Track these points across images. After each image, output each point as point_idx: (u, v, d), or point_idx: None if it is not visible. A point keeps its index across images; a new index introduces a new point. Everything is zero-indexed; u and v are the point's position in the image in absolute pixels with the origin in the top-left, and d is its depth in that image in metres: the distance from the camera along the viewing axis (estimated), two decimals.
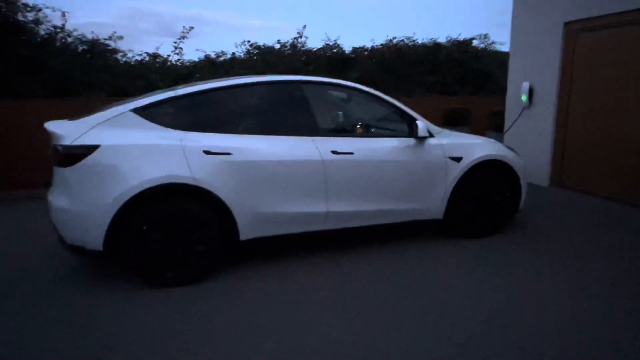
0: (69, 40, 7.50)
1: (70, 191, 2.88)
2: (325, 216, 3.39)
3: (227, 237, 3.18)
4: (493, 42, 10.20)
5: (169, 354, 2.28)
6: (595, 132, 5.33)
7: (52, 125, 3.09)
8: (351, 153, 3.42)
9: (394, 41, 9.51)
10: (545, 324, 2.53)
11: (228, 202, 3.06)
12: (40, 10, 7.06)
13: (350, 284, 3.08)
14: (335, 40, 9.15)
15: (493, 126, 7.46)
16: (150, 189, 2.87)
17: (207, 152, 3.04)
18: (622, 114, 4.98)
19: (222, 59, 8.80)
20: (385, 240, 3.95)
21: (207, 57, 8.74)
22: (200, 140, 3.06)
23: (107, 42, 7.74)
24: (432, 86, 9.21)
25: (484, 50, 10.08)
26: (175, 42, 8.02)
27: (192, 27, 7.96)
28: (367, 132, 3.81)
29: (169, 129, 3.06)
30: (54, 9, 7.31)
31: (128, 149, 2.89)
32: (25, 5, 6.90)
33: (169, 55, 8.23)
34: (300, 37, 8.86)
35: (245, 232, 3.19)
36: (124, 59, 8.04)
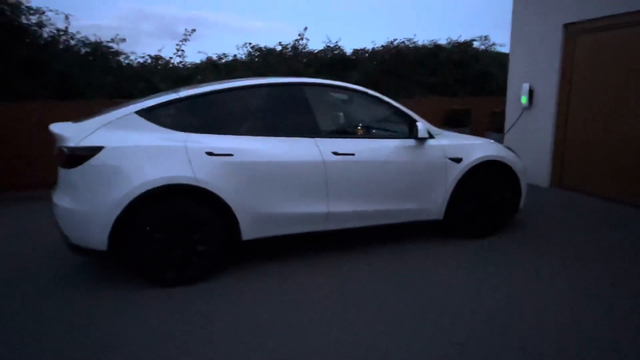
0: (72, 42, 7.56)
1: (74, 192, 2.91)
2: (326, 216, 3.42)
3: (229, 237, 3.22)
4: (493, 44, 10.24)
5: (169, 354, 2.31)
6: (595, 132, 5.36)
7: (57, 127, 3.14)
8: (352, 154, 3.45)
9: (395, 43, 9.55)
10: (545, 323, 2.56)
11: (230, 202, 3.10)
12: (43, 13, 7.12)
13: (351, 284, 3.11)
14: (336, 42, 9.20)
15: (493, 127, 7.49)
16: (153, 189, 2.91)
17: (209, 154, 3.07)
18: (622, 115, 5.01)
19: (223, 61, 8.85)
20: (386, 240, 3.98)
21: (208, 59, 8.79)
22: (203, 142, 3.10)
23: (110, 44, 7.80)
24: (432, 87, 9.25)
25: (484, 51, 10.12)
26: (177, 45, 8.09)
27: (194, 30, 8.00)
28: (367, 134, 3.84)
29: (172, 131, 3.09)
30: (57, 12, 7.38)
31: (132, 151, 2.93)
32: (29, 8, 6.96)
33: (171, 58, 8.28)
34: (302, 39, 8.91)
35: (247, 232, 3.22)
36: (126, 61, 8.10)
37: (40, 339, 2.47)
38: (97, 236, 2.89)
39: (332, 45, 9.15)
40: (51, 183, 3.36)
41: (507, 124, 6.70)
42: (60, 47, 7.43)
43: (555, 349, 2.29)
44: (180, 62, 8.35)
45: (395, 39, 9.60)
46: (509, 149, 4.19)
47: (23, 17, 6.89)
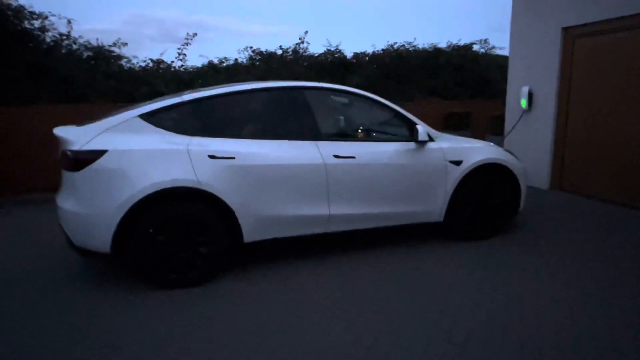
0: (75, 47, 7.61)
1: (78, 194, 2.95)
2: (327, 219, 3.45)
3: (231, 240, 3.25)
4: (493, 47, 10.28)
5: (170, 355, 2.34)
6: (594, 135, 5.39)
7: (60, 131, 3.18)
8: (353, 157, 3.49)
9: (395, 46, 9.60)
10: (544, 324, 2.58)
11: (232, 205, 3.13)
12: (46, 18, 7.18)
13: (351, 285, 3.13)
14: (337, 45, 9.24)
15: (493, 130, 7.53)
16: (156, 192, 2.94)
17: (212, 157, 3.11)
18: (621, 117, 5.04)
19: (225, 64, 8.91)
20: (386, 242, 4.00)
21: (210, 63, 8.85)
22: (206, 145, 3.14)
23: (112, 48, 7.85)
24: (432, 91, 9.29)
25: (484, 54, 10.16)
26: (179, 49, 8.14)
27: (196, 34, 8.03)
28: (368, 137, 3.88)
29: (175, 134, 3.13)
30: (59, 17, 7.42)
31: (135, 154, 2.97)
32: (32, 12, 7.02)
33: (172, 62, 8.33)
34: (302, 42, 8.96)
35: (249, 235, 3.25)
36: (128, 65, 8.15)
37: (40, 339, 2.50)
38: (101, 238, 2.93)
39: (332, 49, 9.20)
40: (54, 186, 3.40)
41: (507, 126, 6.74)
42: (63, 51, 7.48)
43: (554, 349, 2.32)
44: (182, 66, 8.41)
45: (395, 43, 9.66)
46: (509, 151, 4.22)
47: (26, 21, 6.95)
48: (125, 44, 7.93)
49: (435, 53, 9.61)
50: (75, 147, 2.94)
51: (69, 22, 7.39)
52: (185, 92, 3.53)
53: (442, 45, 9.92)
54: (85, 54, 7.71)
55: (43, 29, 7.20)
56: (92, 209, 2.92)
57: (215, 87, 3.61)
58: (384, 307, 2.81)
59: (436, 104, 8.46)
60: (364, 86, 7.59)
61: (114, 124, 3.07)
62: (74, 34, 7.53)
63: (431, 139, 3.81)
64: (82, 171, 2.92)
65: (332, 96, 3.94)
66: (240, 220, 3.18)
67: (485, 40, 10.20)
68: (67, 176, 3.03)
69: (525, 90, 6.20)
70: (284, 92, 3.53)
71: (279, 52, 8.92)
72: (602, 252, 3.70)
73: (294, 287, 3.11)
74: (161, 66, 8.26)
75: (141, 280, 3.24)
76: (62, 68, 7.01)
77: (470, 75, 9.58)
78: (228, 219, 3.18)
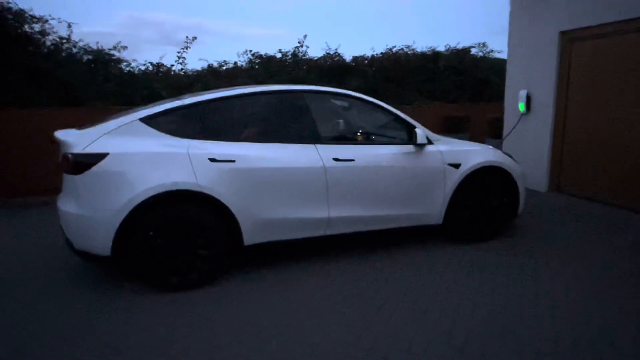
0: (74, 50, 7.65)
1: (79, 198, 2.96)
2: (327, 222, 3.47)
3: (231, 243, 3.26)
4: (491, 50, 10.33)
5: (171, 356, 2.35)
6: (592, 138, 5.42)
7: (61, 134, 3.19)
8: (352, 160, 3.51)
9: (394, 50, 9.64)
10: (542, 326, 2.59)
11: (232, 208, 3.14)
12: (46, 21, 7.21)
13: (351, 287, 3.14)
14: (336, 49, 9.29)
15: (492, 133, 7.56)
16: (157, 195, 2.95)
17: (212, 160, 3.12)
18: (618, 120, 5.07)
19: (224, 68, 8.94)
20: (386, 244, 4.02)
21: (210, 66, 8.88)
22: (206, 148, 3.15)
23: (112, 52, 7.88)
24: (431, 94, 9.32)
25: (482, 58, 10.21)
26: (178, 52, 8.17)
27: (195, 38, 8.06)
28: (367, 140, 3.90)
29: (176, 137, 3.15)
30: (59, 20, 7.45)
31: (136, 157, 2.98)
32: (32, 16, 7.05)
33: (172, 65, 8.37)
34: (301, 46, 9.00)
35: (249, 238, 3.26)
36: (127, 69, 8.18)
37: (40, 340, 2.51)
38: (101, 241, 2.94)
39: (331, 53, 9.24)
40: (55, 188, 3.41)
41: (506, 129, 6.77)
42: (63, 54, 7.51)
43: (553, 351, 2.33)
44: (182, 69, 8.44)
45: (394, 46, 9.70)
46: (507, 154, 4.25)
47: (26, 25, 6.98)
48: (125, 48, 7.97)
49: (433, 56, 9.65)
50: (76, 150, 2.96)
51: (69, 25, 7.43)
52: (186, 96, 3.55)
53: (441, 48, 9.97)
54: (85, 58, 7.74)
55: (43, 33, 7.23)
56: (92, 211, 2.93)
57: (215, 90, 3.63)
58: (384, 308, 2.83)
59: (435, 107, 8.50)
60: (363, 89, 7.62)
61: (115, 127, 3.09)
62: (73, 37, 7.57)
63: (430, 142, 3.83)
64: (83, 174, 2.93)
65: (331, 99, 3.96)
66: (241, 223, 3.19)
67: (484, 44, 10.26)
68: (68, 179, 3.04)
69: (523, 94, 6.23)
70: (284, 96, 3.56)
71: (278, 55, 8.96)
72: (601, 254, 3.72)
73: (294, 289, 3.12)
74: (161, 70, 8.29)
75: (141, 282, 3.25)
76: (62, 71, 7.04)
77: (469, 79, 9.63)
78: (228, 222, 3.19)
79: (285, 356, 2.34)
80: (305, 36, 9.00)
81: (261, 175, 3.23)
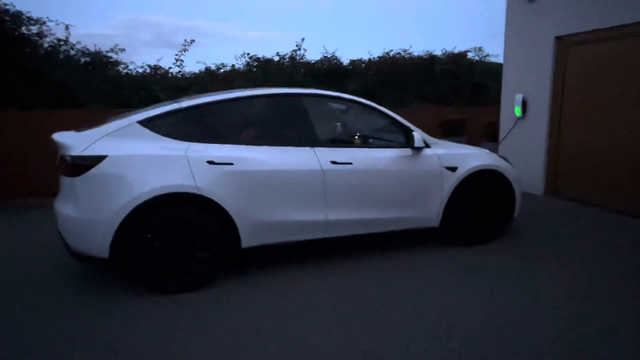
0: (72, 52, 7.64)
1: (77, 200, 2.96)
2: (324, 224, 3.48)
3: (229, 245, 3.26)
4: (487, 55, 10.40)
5: (171, 357, 2.35)
6: (587, 142, 5.47)
7: (60, 136, 3.19)
8: (350, 163, 3.52)
9: (391, 54, 9.70)
10: (539, 329, 2.61)
11: (230, 210, 3.15)
12: (44, 23, 7.21)
13: (349, 289, 3.16)
14: (333, 52, 9.33)
15: (488, 137, 7.61)
16: (155, 198, 2.96)
17: (210, 163, 3.13)
18: (613, 125, 5.12)
19: (222, 70, 8.95)
20: (384, 247, 4.03)
21: (207, 69, 8.89)
22: (204, 151, 3.16)
23: (109, 54, 7.88)
24: (428, 97, 9.37)
25: (479, 62, 10.28)
26: (176, 55, 8.18)
27: (193, 40, 8.07)
28: (365, 143, 3.92)
29: (174, 140, 3.15)
30: (57, 22, 7.45)
31: (134, 160, 2.99)
32: (29, 18, 7.04)
33: (170, 68, 8.37)
34: (299, 49, 9.02)
35: (247, 240, 3.27)
36: (125, 71, 8.18)
37: (40, 341, 2.51)
38: (99, 244, 2.93)
39: (329, 56, 9.28)
40: (53, 191, 3.41)
41: (502, 133, 6.82)
42: (61, 56, 7.50)
43: (550, 354, 2.35)
44: (179, 72, 8.45)
45: (391, 50, 9.76)
46: (504, 158, 4.28)
47: (24, 27, 6.97)
48: (122, 50, 7.97)
49: (430, 60, 9.71)
50: (75, 153, 2.96)
51: (67, 27, 7.43)
52: (184, 99, 3.56)
53: (438, 52, 10.04)
54: (83, 60, 7.74)
55: (41, 35, 7.23)
56: (90, 214, 2.93)
57: (213, 93, 3.64)
58: (382, 310, 2.84)
59: (432, 110, 8.54)
60: (360, 93, 7.66)
61: (113, 129, 3.09)
62: (70, 39, 7.56)
63: (427, 146, 3.86)
64: (81, 176, 2.93)
65: (329, 103, 3.99)
66: (239, 226, 3.20)
67: (480, 48, 10.33)
68: (66, 181, 3.04)
69: (519, 98, 6.28)
70: (282, 99, 3.58)
71: (276, 58, 8.99)
72: (597, 257, 3.75)
73: (292, 291, 3.13)
74: (158, 72, 8.30)
75: (140, 284, 3.25)
76: (60, 73, 7.03)
77: (466, 83, 9.69)
78: (226, 224, 3.20)
79: (284, 357, 2.34)
80: (303, 39, 9.03)
81: (259, 177, 3.24)
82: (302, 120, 3.55)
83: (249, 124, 3.53)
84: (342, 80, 8.90)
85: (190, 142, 3.18)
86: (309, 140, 3.50)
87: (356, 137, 4.02)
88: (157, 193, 2.96)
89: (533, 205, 5.53)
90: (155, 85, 7.76)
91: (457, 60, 9.86)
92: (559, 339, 2.49)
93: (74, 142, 3.03)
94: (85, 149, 2.97)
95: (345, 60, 9.41)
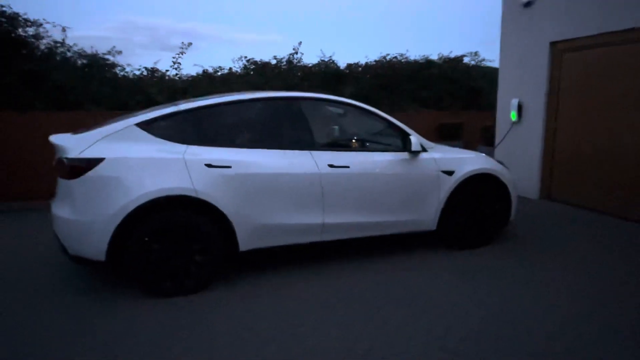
0: (69, 54, 7.62)
1: (74, 202, 2.95)
2: (321, 228, 3.49)
3: (227, 248, 3.26)
4: (483, 59, 10.48)
5: (171, 358, 2.35)
6: (582, 146, 5.52)
7: (57, 139, 3.18)
8: (347, 167, 3.54)
9: (388, 58, 9.73)
10: (535, 331, 2.63)
11: (228, 213, 3.15)
12: (40, 25, 7.17)
13: (348, 292, 3.16)
14: (330, 56, 9.35)
15: (484, 141, 7.65)
16: (153, 200, 2.96)
17: (208, 166, 3.14)
18: (608, 129, 5.18)
19: (219, 73, 8.96)
20: (382, 250, 4.04)
21: (205, 72, 8.89)
22: (202, 154, 3.16)
23: (106, 56, 7.86)
24: (424, 102, 9.42)
25: (475, 66, 10.35)
26: (173, 57, 8.16)
27: (191, 43, 8.07)
28: (362, 147, 3.94)
29: (172, 143, 3.16)
30: (54, 24, 7.42)
31: (132, 162, 2.99)
32: (26, 20, 7.01)
33: (167, 70, 8.36)
34: (296, 53, 9.04)
35: (245, 243, 3.27)
36: (122, 73, 8.16)
37: (40, 342, 2.50)
38: (96, 246, 2.93)
39: (326, 60, 9.30)
40: (50, 194, 3.40)
41: (498, 137, 6.86)
42: (58, 58, 7.48)
43: (548, 355, 2.36)
44: (177, 74, 8.44)
45: (388, 54, 9.78)
46: (500, 162, 4.31)
47: (20, 29, 6.94)
48: (119, 52, 7.95)
49: (427, 65, 9.77)
50: (72, 155, 2.95)
51: (64, 29, 7.40)
52: (181, 101, 3.57)
53: (434, 57, 10.09)
54: (80, 62, 7.71)
55: (37, 36, 7.19)
56: (87, 216, 2.92)
57: (211, 96, 3.65)
58: (379, 313, 2.85)
59: (428, 114, 8.58)
60: (357, 97, 7.68)
61: (111, 132, 3.09)
62: (67, 41, 7.54)
63: (424, 149, 3.88)
64: (78, 179, 2.92)
65: (327, 106, 4.00)
66: (236, 229, 3.20)
67: (476, 53, 10.40)
68: (63, 184, 3.03)
69: (515, 102, 6.34)
70: (280, 102, 3.59)
71: (273, 62, 9.01)
72: (594, 259, 3.78)
73: (290, 294, 3.13)
74: (156, 74, 8.29)
75: (137, 287, 3.24)
76: (56, 75, 7.00)
77: (462, 87, 9.75)
78: (224, 228, 3.19)
79: (284, 357, 2.35)
80: (300, 43, 9.06)
81: (257, 181, 3.25)
82: (300, 124, 3.56)
83: (247, 127, 3.54)
84: (339, 84, 8.92)
85: (188, 145, 3.18)
86: (307, 143, 3.51)
87: (354, 140, 4.03)
88: (154, 196, 2.96)
89: (529, 208, 5.57)
90: (152, 88, 7.75)
91: (453, 65, 9.92)
92: (557, 340, 2.50)
93: (71, 144, 3.03)
94: (83, 151, 2.97)
95: (342, 64, 9.45)
